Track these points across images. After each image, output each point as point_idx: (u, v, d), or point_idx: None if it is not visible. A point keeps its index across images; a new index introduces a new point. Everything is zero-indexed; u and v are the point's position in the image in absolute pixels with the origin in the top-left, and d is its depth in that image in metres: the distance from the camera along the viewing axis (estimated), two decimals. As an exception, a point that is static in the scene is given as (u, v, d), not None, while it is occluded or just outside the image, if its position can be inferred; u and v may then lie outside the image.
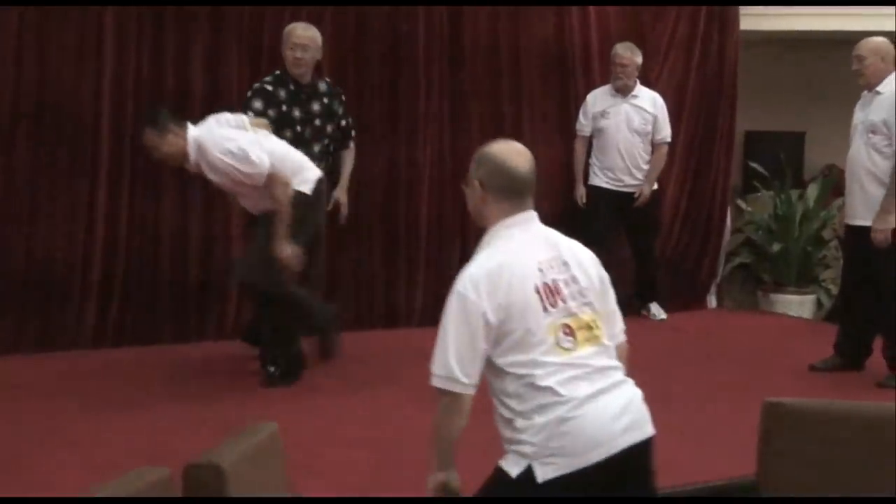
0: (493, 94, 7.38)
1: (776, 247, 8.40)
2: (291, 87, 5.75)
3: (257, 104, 5.65)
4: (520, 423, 2.77)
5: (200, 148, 5.11)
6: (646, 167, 7.40)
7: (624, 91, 7.34)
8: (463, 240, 7.07)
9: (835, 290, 7.96)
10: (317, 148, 5.82)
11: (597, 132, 7.39)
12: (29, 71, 6.15)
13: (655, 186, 7.49)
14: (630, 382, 2.92)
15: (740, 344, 6.95)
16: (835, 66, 6.99)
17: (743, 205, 8.86)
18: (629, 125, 7.33)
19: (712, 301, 8.31)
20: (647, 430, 2.87)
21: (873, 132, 5.66)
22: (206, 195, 6.36)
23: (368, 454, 4.43)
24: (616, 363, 2.91)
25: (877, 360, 5.88)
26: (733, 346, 6.85)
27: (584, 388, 2.77)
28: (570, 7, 7.56)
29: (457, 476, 2.89)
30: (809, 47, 8.58)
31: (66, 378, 5.64)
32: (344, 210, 6.13)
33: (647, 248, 7.58)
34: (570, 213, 7.36)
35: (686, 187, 8.06)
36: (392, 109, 7.08)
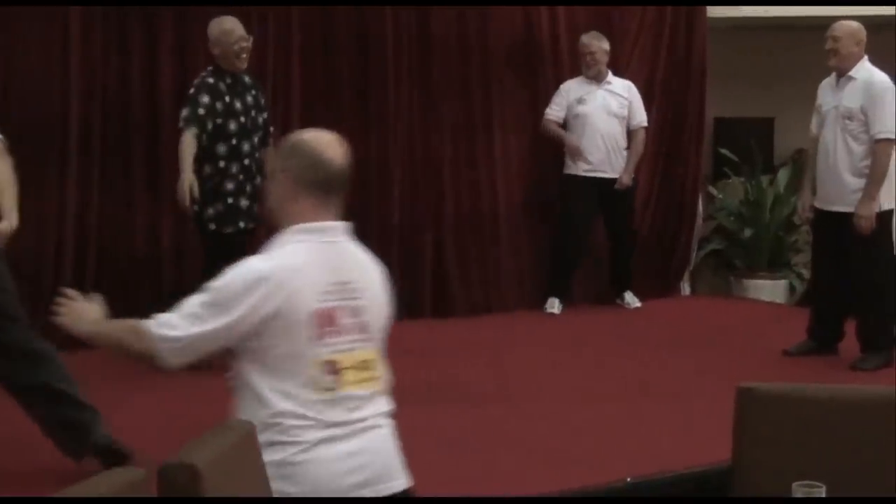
0: (462, 86, 7.35)
1: (748, 232, 8.44)
2: (228, 80, 5.71)
3: (205, 98, 5.59)
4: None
5: None
6: (625, 152, 7.40)
7: (598, 78, 7.35)
8: (435, 232, 7.03)
9: (807, 274, 8.00)
10: (257, 138, 5.74)
11: (574, 119, 7.36)
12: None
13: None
14: (382, 430, 2.65)
15: (714, 330, 6.97)
16: (803, 52, 7.01)
17: (714, 191, 8.89)
18: (608, 110, 7.33)
19: (686, 288, 8.34)
20: (393, 485, 2.62)
21: (849, 118, 5.66)
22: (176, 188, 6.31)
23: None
24: (378, 408, 2.67)
25: (850, 344, 5.93)
26: (707, 333, 6.87)
27: (313, 434, 2.54)
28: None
29: None
30: (777, 33, 8.60)
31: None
32: None
33: (625, 237, 7.56)
34: (542, 203, 7.37)
35: (657, 174, 8.06)
36: (362, 104, 7.04)
